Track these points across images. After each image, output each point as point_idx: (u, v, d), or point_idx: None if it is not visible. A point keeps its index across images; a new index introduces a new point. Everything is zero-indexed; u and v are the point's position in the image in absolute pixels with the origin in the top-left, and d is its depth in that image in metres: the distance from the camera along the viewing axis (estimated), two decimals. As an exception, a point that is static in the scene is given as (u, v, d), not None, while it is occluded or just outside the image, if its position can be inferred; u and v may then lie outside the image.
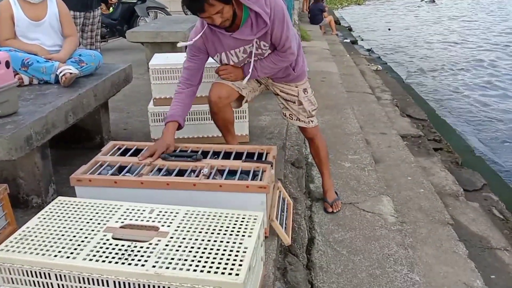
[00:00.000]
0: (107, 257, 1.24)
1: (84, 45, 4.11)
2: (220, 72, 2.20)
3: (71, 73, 2.33)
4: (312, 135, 2.45)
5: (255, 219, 1.42)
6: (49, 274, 1.24)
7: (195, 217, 1.43)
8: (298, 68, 2.26)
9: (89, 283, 1.22)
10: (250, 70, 2.12)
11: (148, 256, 1.24)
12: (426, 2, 21.54)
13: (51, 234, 1.36)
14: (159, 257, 1.23)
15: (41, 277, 1.25)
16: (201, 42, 2.08)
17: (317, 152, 2.51)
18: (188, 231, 1.36)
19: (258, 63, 2.14)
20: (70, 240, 1.32)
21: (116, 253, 1.25)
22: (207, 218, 1.43)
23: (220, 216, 1.44)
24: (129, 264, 1.21)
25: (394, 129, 4.36)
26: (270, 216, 1.79)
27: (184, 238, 1.32)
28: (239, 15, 1.96)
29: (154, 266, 1.20)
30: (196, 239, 1.31)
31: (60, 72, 2.34)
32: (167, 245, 1.29)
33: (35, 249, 1.29)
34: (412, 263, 2.18)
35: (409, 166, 3.45)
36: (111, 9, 6.41)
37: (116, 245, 1.29)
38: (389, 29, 14.05)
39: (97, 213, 1.47)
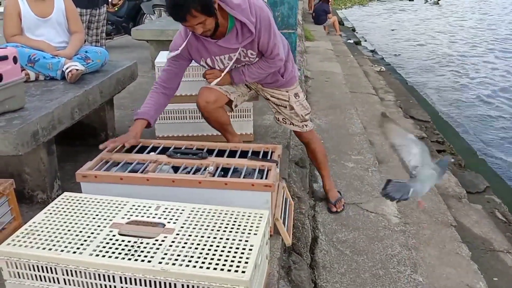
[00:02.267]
0: (113, 252, 1.24)
1: (90, 42, 4.12)
2: (207, 76, 2.19)
3: (77, 70, 2.34)
4: (307, 139, 2.44)
5: (260, 217, 1.43)
6: (55, 269, 1.24)
7: (201, 214, 1.44)
8: (287, 74, 2.24)
9: (95, 279, 1.23)
10: (236, 71, 2.10)
11: (155, 252, 1.24)
12: (430, 3, 21.50)
13: (57, 229, 1.36)
14: (165, 254, 1.23)
15: (47, 272, 1.26)
16: (184, 49, 2.06)
17: (315, 155, 2.51)
18: (194, 228, 1.36)
19: (246, 67, 2.13)
20: (77, 235, 1.33)
21: (123, 249, 1.26)
22: (213, 216, 1.43)
23: (226, 213, 1.44)
24: (136, 260, 1.21)
25: (397, 130, 4.35)
26: (275, 215, 1.79)
27: (190, 235, 1.32)
28: (223, 24, 1.94)
29: (160, 262, 1.20)
30: (202, 236, 1.32)
31: (66, 69, 2.35)
32: (173, 242, 1.29)
33: (42, 244, 1.29)
34: (415, 264, 2.18)
35: (412, 167, 3.45)
36: (116, 8, 6.44)
37: (123, 241, 1.30)
38: (393, 30, 14.04)
39: (103, 209, 1.47)
